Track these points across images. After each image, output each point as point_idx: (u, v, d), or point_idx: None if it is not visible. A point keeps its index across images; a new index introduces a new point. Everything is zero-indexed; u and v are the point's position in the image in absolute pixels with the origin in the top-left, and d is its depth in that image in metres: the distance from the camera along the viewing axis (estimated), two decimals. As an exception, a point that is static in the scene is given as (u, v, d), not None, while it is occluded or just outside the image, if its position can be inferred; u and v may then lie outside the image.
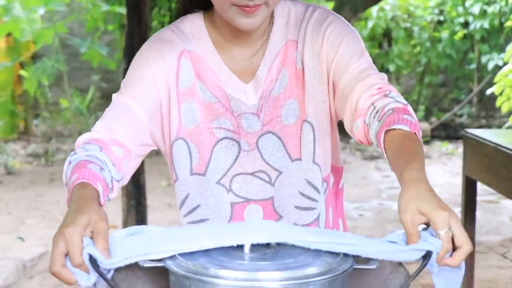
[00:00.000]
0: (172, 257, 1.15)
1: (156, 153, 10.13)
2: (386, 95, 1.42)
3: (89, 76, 11.28)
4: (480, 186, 3.75)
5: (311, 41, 1.54)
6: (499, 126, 9.58)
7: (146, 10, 5.14)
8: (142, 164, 5.05)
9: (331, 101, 1.57)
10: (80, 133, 10.39)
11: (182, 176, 1.57)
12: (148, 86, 1.52)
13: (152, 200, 6.19)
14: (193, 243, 1.16)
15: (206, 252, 1.16)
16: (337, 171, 1.68)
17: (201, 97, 1.54)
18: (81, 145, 1.46)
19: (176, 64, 1.53)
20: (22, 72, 9.36)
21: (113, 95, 1.55)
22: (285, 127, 1.55)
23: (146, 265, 1.16)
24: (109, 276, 1.16)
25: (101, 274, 1.13)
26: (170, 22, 10.53)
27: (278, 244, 1.17)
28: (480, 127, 10.41)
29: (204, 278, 1.09)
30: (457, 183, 6.78)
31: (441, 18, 10.89)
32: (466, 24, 10.54)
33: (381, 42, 11.32)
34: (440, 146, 9.96)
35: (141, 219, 5.05)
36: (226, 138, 1.53)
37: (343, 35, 1.53)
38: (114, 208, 6.12)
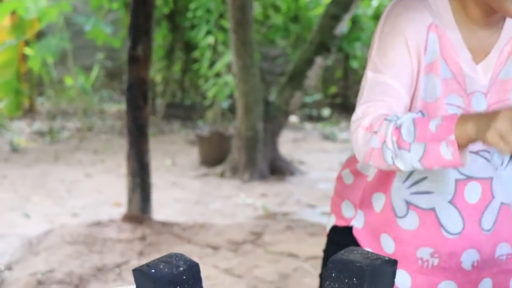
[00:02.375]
0: None
1: (161, 132, 10.18)
2: None
3: (93, 55, 11.29)
4: None
5: None
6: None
7: (151, -11, 5.13)
8: (147, 142, 5.07)
9: None
10: (85, 111, 10.44)
11: None
12: (406, 64, 1.53)
13: (157, 178, 6.23)
14: None
15: None
16: None
17: (441, 72, 1.56)
18: (380, 122, 1.45)
19: (425, 37, 1.54)
20: (27, 50, 9.36)
21: (369, 72, 1.55)
22: None
23: None
24: None
25: None
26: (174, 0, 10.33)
27: None
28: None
29: None
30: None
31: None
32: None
33: (386, 21, 11.28)
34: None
35: (145, 197, 5.08)
36: (456, 115, 1.55)
37: None
38: (119, 186, 6.16)
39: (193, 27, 10.19)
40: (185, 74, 11.63)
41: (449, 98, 1.55)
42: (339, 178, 1.82)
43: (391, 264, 1.19)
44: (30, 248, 4.65)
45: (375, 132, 1.44)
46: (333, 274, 1.21)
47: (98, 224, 5.03)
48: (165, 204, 5.99)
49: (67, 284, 3.99)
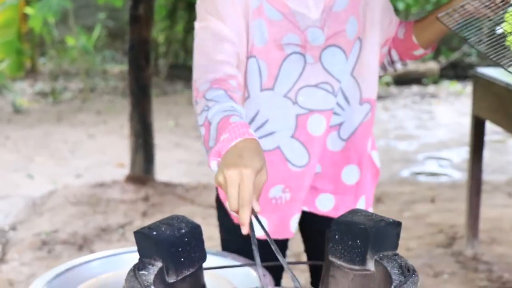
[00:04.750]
0: None
1: (164, 92, 10.14)
2: None
3: (95, 14, 11.18)
4: (487, 126, 3.72)
5: None
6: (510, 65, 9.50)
7: None
8: (150, 103, 5.05)
9: (385, 23, 1.68)
10: (87, 72, 10.37)
11: (253, 93, 1.61)
12: (233, 11, 1.54)
13: (160, 139, 6.21)
14: None
15: None
16: (374, 104, 1.73)
17: (268, 16, 1.56)
18: (205, 92, 1.46)
19: None
20: (28, 10, 9.28)
21: (197, 25, 1.60)
22: (348, 41, 1.61)
23: None
24: None
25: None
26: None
27: None
28: (489, 66, 10.34)
29: None
30: (465, 122, 6.77)
31: (453, -46, 10.70)
32: (478, -39, 10.36)
33: (390, -20, 11.16)
34: (449, 86, 9.91)
35: (148, 158, 5.08)
36: (294, 53, 1.58)
37: None
38: (122, 147, 6.16)
39: (195, -14, 10.07)
40: (188, 34, 11.54)
41: (285, 38, 1.56)
42: None
43: (395, 226, 1.18)
44: (34, 209, 4.67)
45: (196, 103, 1.48)
46: (337, 236, 1.20)
47: (101, 185, 5.04)
48: (168, 165, 5.99)
49: (71, 244, 4.01)
